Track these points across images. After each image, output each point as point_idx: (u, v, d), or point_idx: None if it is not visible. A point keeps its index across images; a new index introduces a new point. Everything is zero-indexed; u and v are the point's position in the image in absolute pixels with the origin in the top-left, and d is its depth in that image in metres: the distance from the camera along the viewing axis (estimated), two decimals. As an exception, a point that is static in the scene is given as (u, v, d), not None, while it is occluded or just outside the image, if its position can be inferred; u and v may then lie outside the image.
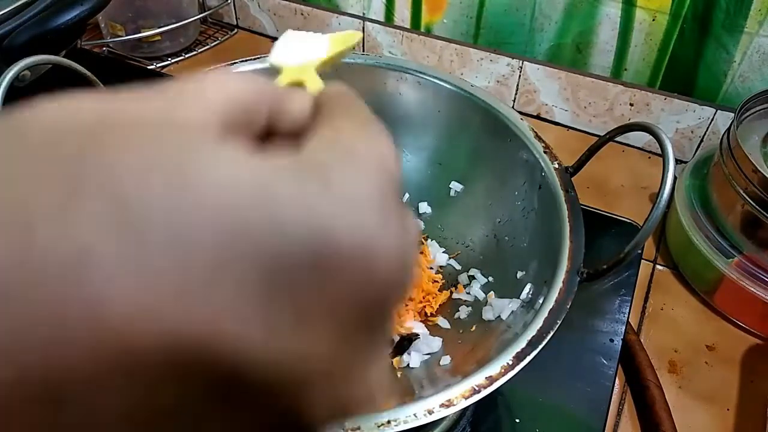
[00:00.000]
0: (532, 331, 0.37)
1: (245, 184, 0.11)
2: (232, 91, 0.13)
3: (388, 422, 0.32)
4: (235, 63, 0.54)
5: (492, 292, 0.49)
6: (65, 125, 0.11)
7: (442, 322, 0.50)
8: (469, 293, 0.51)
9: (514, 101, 0.81)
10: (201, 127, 0.12)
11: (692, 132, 0.73)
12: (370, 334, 0.12)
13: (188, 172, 0.10)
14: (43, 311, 0.09)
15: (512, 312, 0.44)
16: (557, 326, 0.37)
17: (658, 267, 0.64)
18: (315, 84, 0.19)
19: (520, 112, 0.61)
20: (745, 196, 0.54)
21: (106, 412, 0.10)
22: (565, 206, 0.44)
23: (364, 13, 0.83)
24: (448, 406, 0.33)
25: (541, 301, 0.40)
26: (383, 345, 0.13)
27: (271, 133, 0.14)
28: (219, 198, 0.10)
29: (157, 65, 0.85)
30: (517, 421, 0.48)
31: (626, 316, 0.55)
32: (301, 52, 0.19)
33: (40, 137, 0.11)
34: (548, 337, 0.37)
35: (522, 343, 0.36)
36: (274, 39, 0.92)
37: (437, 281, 0.53)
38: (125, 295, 0.10)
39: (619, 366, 0.53)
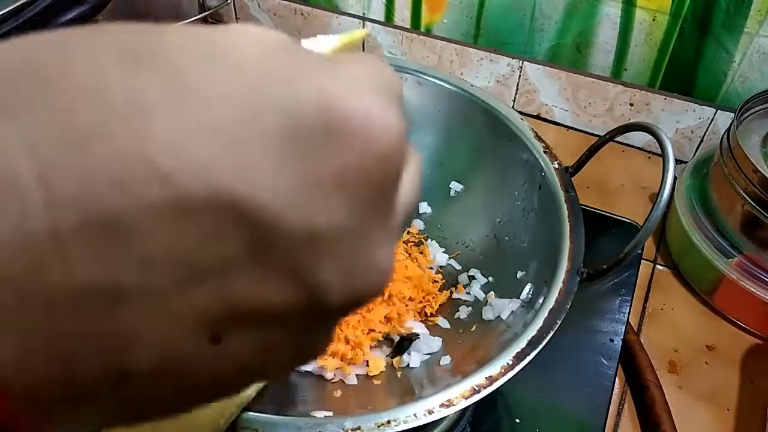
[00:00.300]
0: (532, 331, 0.37)
1: (273, 61, 0.13)
2: (260, 29, 0.15)
3: (388, 422, 0.32)
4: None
5: (492, 292, 0.49)
6: (130, 24, 0.14)
7: (442, 322, 0.50)
8: (469, 293, 0.51)
9: (514, 101, 0.81)
10: (237, 35, 0.14)
11: (692, 132, 0.73)
12: (375, 210, 0.14)
13: (226, 53, 0.13)
14: (112, 151, 0.11)
15: (512, 312, 0.44)
16: (557, 326, 0.37)
17: (658, 267, 0.64)
18: None
19: (520, 112, 0.61)
20: (745, 196, 0.54)
21: (154, 248, 0.12)
22: (565, 206, 0.45)
23: (364, 13, 0.83)
24: (448, 406, 0.33)
25: (541, 301, 0.40)
26: (389, 231, 0.15)
27: None
28: (252, 69, 0.13)
29: (157, 65, 0.85)
30: (517, 421, 0.48)
31: (626, 316, 0.55)
32: (315, 47, 0.21)
33: (112, 28, 0.13)
34: (548, 337, 0.37)
35: (522, 343, 0.36)
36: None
37: (437, 281, 0.53)
38: (174, 143, 0.11)
39: (619, 366, 0.53)
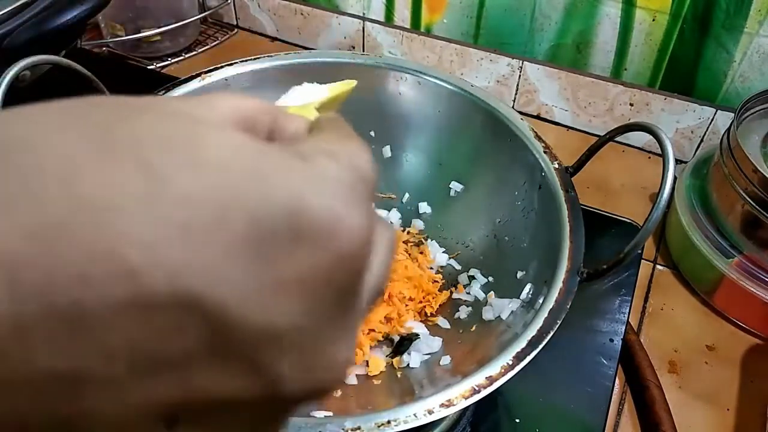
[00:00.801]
0: (532, 331, 0.37)
1: (242, 156, 0.13)
2: (239, 103, 0.15)
3: (388, 422, 0.32)
4: (234, 63, 0.54)
5: (492, 292, 0.49)
6: (109, 101, 0.14)
7: (442, 322, 0.50)
8: (469, 293, 0.51)
9: (514, 101, 0.81)
10: (212, 119, 0.14)
11: (692, 132, 0.73)
12: (337, 309, 0.14)
13: (199, 147, 0.13)
14: (80, 245, 0.11)
15: (512, 312, 0.44)
16: (557, 326, 0.37)
17: (658, 267, 0.64)
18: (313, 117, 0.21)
19: (520, 112, 0.61)
20: (745, 196, 0.54)
21: (116, 340, 0.12)
22: (565, 206, 0.44)
23: (364, 13, 0.83)
24: (448, 406, 0.33)
25: (541, 301, 0.40)
26: (351, 324, 0.15)
27: (276, 139, 0.17)
28: (220, 167, 0.13)
29: (157, 65, 0.85)
30: (517, 421, 0.48)
31: (626, 316, 0.55)
32: (303, 97, 0.21)
33: (91, 110, 0.13)
34: (548, 337, 0.37)
35: (522, 343, 0.36)
36: (274, 39, 0.92)
37: (437, 281, 0.53)
38: (140, 241, 0.12)
39: (619, 366, 0.53)
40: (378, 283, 0.16)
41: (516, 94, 0.80)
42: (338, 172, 0.14)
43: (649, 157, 0.76)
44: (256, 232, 0.13)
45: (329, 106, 0.22)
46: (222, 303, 0.12)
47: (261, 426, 0.15)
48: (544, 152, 0.49)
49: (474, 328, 0.47)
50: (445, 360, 0.45)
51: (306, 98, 0.22)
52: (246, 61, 0.54)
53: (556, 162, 0.48)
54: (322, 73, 0.55)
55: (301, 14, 0.88)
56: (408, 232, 0.57)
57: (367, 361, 0.47)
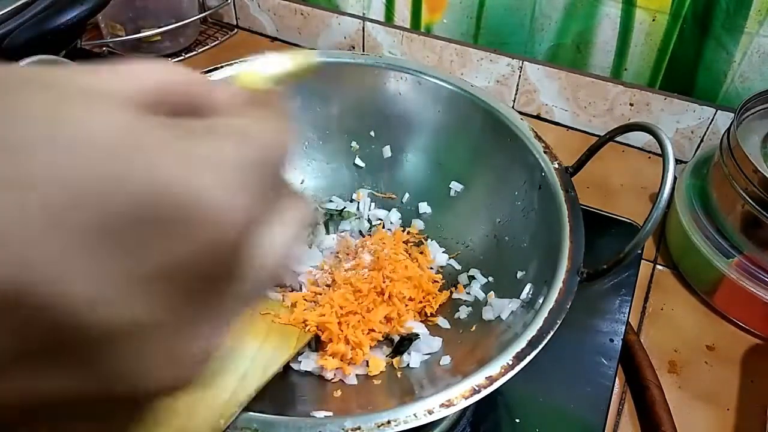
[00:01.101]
0: (532, 331, 0.37)
1: (115, 135, 0.11)
2: (161, 75, 0.14)
3: (388, 422, 0.32)
4: (234, 63, 0.54)
5: (492, 292, 0.49)
6: (16, 74, 0.12)
7: (442, 322, 0.50)
8: (469, 293, 0.51)
9: (514, 101, 0.81)
10: (116, 95, 0.12)
11: (692, 132, 0.73)
12: (197, 304, 0.13)
13: (80, 126, 0.11)
14: None
15: (512, 312, 0.44)
16: (557, 326, 0.37)
17: (658, 267, 0.64)
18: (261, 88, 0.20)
19: (520, 112, 0.61)
20: (745, 196, 0.54)
21: None
22: (565, 206, 0.44)
23: (364, 13, 0.83)
24: (448, 406, 0.33)
25: (541, 301, 0.40)
26: (216, 322, 0.14)
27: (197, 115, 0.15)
28: (83, 148, 0.11)
29: (157, 65, 0.85)
30: (517, 421, 0.48)
31: (626, 316, 0.55)
32: (263, 66, 0.21)
33: None
34: (548, 337, 0.37)
35: (522, 343, 0.36)
36: (274, 39, 0.92)
37: (437, 281, 0.53)
38: None
39: (619, 366, 0.53)
40: (270, 263, 0.15)
41: (516, 94, 0.80)
42: (231, 153, 0.13)
43: (649, 157, 0.76)
44: (114, 219, 0.11)
45: (287, 79, 0.21)
46: (59, 301, 0.11)
47: (115, 421, 0.14)
48: (544, 152, 0.49)
49: (474, 328, 0.47)
50: (445, 360, 0.45)
51: (266, 68, 0.21)
52: (245, 60, 0.54)
53: (556, 162, 0.48)
54: (322, 73, 0.55)
55: (301, 14, 0.88)
56: (408, 232, 0.57)
57: (367, 361, 0.47)
